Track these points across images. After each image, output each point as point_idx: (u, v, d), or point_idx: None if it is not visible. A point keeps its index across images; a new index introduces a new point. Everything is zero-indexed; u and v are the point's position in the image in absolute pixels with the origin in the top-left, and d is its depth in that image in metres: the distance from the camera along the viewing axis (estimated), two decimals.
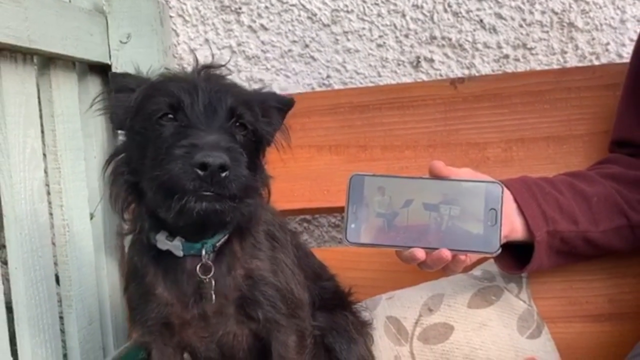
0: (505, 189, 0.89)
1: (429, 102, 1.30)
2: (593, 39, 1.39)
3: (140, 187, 0.84)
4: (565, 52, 1.41)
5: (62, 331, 1.25)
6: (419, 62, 1.46)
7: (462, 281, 1.16)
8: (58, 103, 1.24)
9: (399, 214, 0.86)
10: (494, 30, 1.42)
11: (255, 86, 1.41)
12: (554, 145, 1.24)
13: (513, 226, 0.98)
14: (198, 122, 0.81)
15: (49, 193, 1.23)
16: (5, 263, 1.21)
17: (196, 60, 0.91)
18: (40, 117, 1.19)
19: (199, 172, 0.75)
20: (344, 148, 1.33)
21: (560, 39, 1.41)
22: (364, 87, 1.45)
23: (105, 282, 1.39)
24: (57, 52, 1.16)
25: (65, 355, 1.25)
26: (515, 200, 0.99)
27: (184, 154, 0.77)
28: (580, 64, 1.40)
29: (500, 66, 1.44)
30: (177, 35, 1.52)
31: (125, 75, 0.94)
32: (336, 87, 1.49)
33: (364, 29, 1.47)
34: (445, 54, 1.45)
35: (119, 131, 0.98)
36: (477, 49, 1.44)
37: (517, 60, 1.43)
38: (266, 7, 1.48)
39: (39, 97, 1.20)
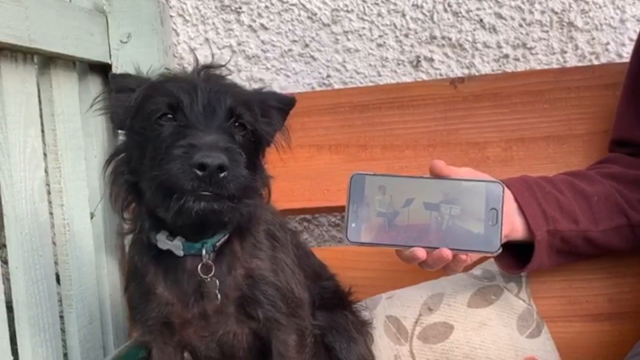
0: (506, 188, 0.89)
1: (429, 101, 1.30)
2: (593, 38, 1.39)
3: (140, 186, 0.84)
4: (565, 52, 1.41)
5: (63, 330, 1.25)
6: (419, 61, 1.46)
7: (462, 280, 1.16)
8: (58, 102, 1.24)
9: (399, 213, 0.87)
10: (493, 29, 1.42)
11: (256, 86, 1.41)
12: (553, 144, 1.24)
13: (513, 225, 0.98)
14: (197, 122, 0.81)
15: (49, 192, 1.23)
16: (6, 262, 1.21)
17: (196, 60, 0.91)
18: (41, 116, 1.19)
19: (198, 172, 0.75)
20: (344, 147, 1.33)
21: (560, 39, 1.41)
22: (364, 86, 1.45)
23: (106, 281, 1.39)
24: (57, 51, 1.16)
25: (65, 355, 1.25)
26: (516, 200, 0.99)
27: (182, 154, 0.77)
28: (580, 64, 1.40)
29: (500, 66, 1.44)
30: (177, 34, 1.52)
31: (125, 76, 0.94)
32: (336, 86, 1.49)
33: (364, 28, 1.47)
34: (445, 54, 1.45)
35: (120, 131, 0.98)
36: (477, 49, 1.44)
37: (517, 59, 1.43)
38: (266, 7, 1.48)
39: (39, 97, 1.20)
